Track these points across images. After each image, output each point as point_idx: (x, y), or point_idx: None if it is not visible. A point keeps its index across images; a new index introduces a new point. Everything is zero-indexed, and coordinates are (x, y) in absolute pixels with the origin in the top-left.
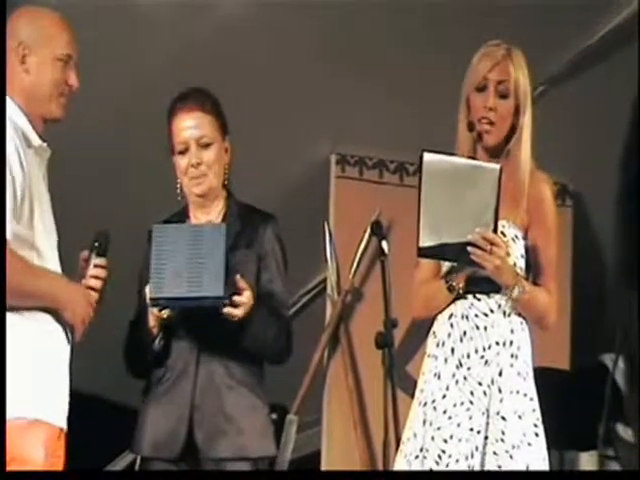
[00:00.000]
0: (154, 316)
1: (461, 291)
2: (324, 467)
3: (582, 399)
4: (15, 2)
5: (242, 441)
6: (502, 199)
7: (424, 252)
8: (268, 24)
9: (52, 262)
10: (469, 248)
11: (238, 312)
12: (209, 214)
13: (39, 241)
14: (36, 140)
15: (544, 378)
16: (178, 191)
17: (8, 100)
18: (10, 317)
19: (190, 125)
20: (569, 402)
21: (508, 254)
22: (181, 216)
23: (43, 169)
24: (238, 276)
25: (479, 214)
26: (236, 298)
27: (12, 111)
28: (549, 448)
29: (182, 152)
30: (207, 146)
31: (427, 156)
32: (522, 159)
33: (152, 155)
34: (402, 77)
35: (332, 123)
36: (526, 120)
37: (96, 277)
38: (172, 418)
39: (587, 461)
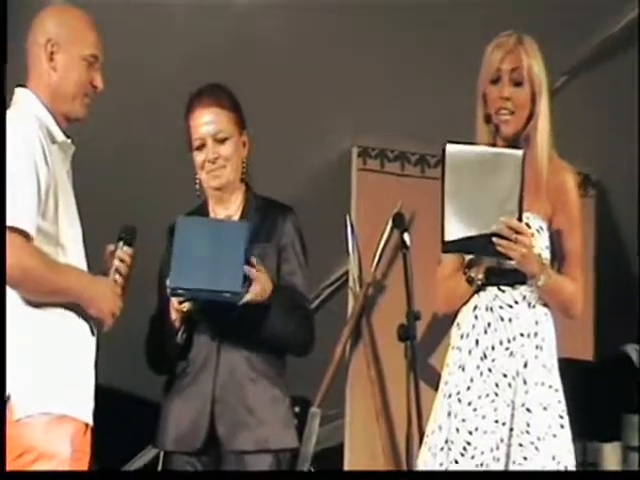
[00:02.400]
0: (175, 309)
1: (480, 282)
2: (347, 460)
3: (605, 390)
4: (16, 2)
5: (263, 433)
6: (524, 190)
7: (449, 247)
8: (288, 17)
9: (77, 257)
10: (494, 239)
11: (255, 294)
12: (228, 208)
13: (64, 237)
14: (60, 136)
15: (567, 369)
16: (197, 187)
17: (33, 96)
18: (36, 313)
19: (206, 121)
20: (592, 393)
21: (532, 245)
22: (201, 211)
23: (67, 165)
24: (247, 268)
25: (503, 202)
26: (251, 288)
27: (37, 107)
28: (572, 439)
29: (199, 148)
30: (224, 141)
31: (450, 147)
32: (540, 146)
33: (173, 151)
34: (423, 69)
35: (353, 116)
36: (542, 107)
37: (123, 261)
38: (193, 411)
39: (610, 452)
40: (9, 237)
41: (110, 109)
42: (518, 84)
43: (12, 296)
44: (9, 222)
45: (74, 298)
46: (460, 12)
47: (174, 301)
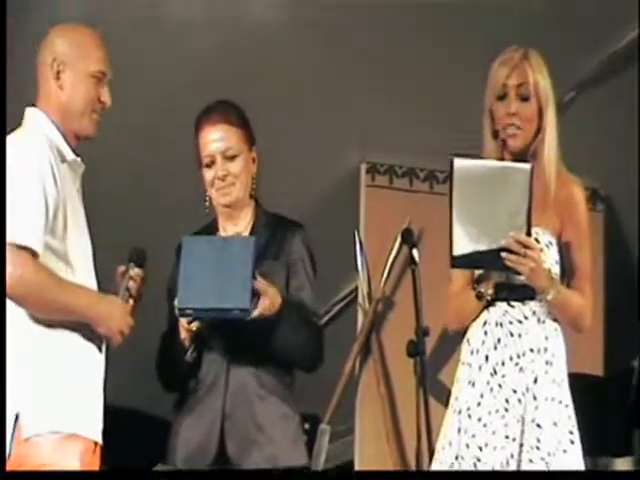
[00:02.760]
0: (184, 328)
1: (489, 298)
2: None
3: (616, 405)
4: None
5: (273, 451)
6: (533, 204)
7: (457, 262)
8: (295, 34)
9: (86, 275)
10: (503, 254)
11: (264, 309)
12: (237, 225)
13: (73, 255)
14: (70, 155)
15: (577, 384)
16: (206, 204)
17: (43, 115)
18: (44, 331)
19: (215, 138)
20: (603, 408)
21: (541, 259)
22: (210, 228)
23: (77, 184)
24: (255, 282)
25: (512, 217)
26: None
27: (47, 126)
28: (583, 454)
29: (208, 165)
30: (233, 158)
31: (457, 162)
32: (547, 160)
33: (183, 169)
34: (431, 85)
35: (362, 132)
36: (549, 121)
37: (134, 281)
38: (203, 429)
39: (621, 467)
40: (16, 254)
41: (118, 127)
42: (525, 99)
43: (20, 314)
44: (16, 239)
45: (81, 316)
46: (469, 29)
47: (183, 321)
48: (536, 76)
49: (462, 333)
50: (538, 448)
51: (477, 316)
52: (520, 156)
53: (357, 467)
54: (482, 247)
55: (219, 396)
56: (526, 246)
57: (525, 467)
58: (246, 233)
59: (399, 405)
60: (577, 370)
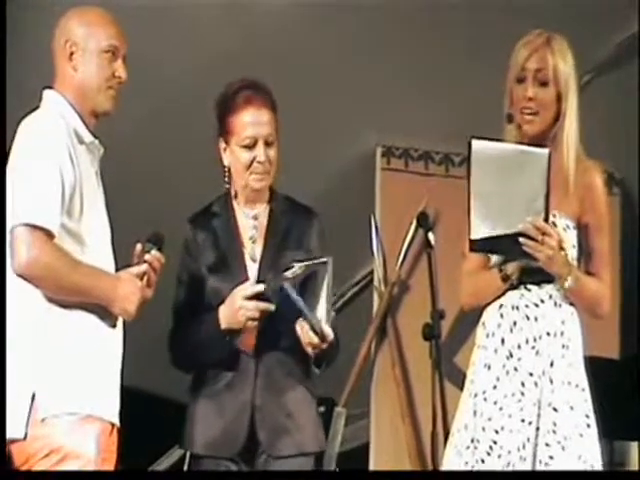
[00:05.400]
0: (240, 322)
1: (515, 281)
2: (372, 460)
3: (632, 389)
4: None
5: (302, 437)
6: (551, 189)
7: (475, 246)
8: (311, 18)
9: (103, 257)
10: (520, 239)
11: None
12: (254, 209)
13: (89, 236)
14: (88, 137)
15: (593, 367)
16: (226, 179)
17: (60, 98)
18: (61, 312)
19: (260, 121)
20: (619, 392)
21: (561, 245)
22: (221, 204)
23: (96, 166)
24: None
25: (530, 202)
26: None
27: (63, 108)
28: (599, 438)
29: (248, 146)
30: (272, 144)
31: (475, 143)
32: (566, 146)
33: (201, 151)
34: (447, 67)
35: (377, 115)
36: (569, 107)
37: (151, 264)
38: (231, 416)
39: (638, 451)
40: (31, 235)
41: (138, 110)
42: (543, 84)
43: (37, 294)
44: (32, 220)
45: (95, 298)
46: (481, 12)
47: (250, 305)
48: (556, 61)
49: (477, 316)
50: (554, 432)
51: (494, 299)
52: (537, 140)
53: (372, 450)
54: (500, 231)
55: (249, 384)
56: (544, 232)
57: (541, 450)
58: (264, 218)
59: (414, 388)
60: (593, 353)
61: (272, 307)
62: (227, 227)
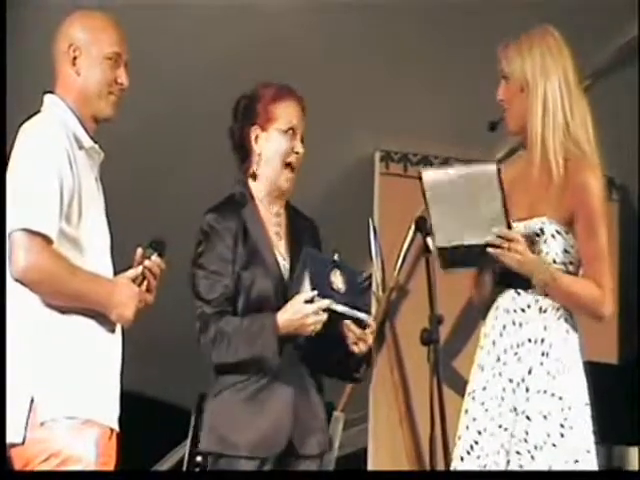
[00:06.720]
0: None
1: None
2: (371, 464)
3: (630, 393)
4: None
5: (321, 437)
6: (538, 194)
7: (448, 264)
8: (309, 22)
9: (102, 263)
10: (488, 249)
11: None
12: (275, 206)
13: (88, 242)
14: (88, 142)
15: (592, 372)
16: (255, 168)
17: (60, 102)
18: (61, 317)
19: (300, 116)
20: (617, 396)
21: (531, 248)
22: (244, 199)
23: (95, 171)
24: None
25: (491, 216)
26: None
27: (64, 112)
28: (597, 443)
29: (287, 133)
30: (303, 143)
31: (426, 175)
32: (536, 140)
33: (204, 155)
34: (445, 72)
35: (376, 120)
36: (532, 104)
37: (151, 270)
38: (272, 418)
39: (636, 456)
40: (30, 240)
41: (139, 114)
42: (505, 79)
43: (35, 299)
44: (31, 226)
45: (93, 304)
46: (483, 15)
47: (319, 318)
48: (513, 56)
49: (475, 318)
50: (526, 440)
51: (494, 300)
52: (521, 137)
53: (370, 454)
54: (469, 242)
55: (287, 387)
56: (508, 239)
57: (512, 458)
58: (284, 217)
59: (413, 393)
60: (591, 358)
61: (325, 317)
62: (254, 219)
